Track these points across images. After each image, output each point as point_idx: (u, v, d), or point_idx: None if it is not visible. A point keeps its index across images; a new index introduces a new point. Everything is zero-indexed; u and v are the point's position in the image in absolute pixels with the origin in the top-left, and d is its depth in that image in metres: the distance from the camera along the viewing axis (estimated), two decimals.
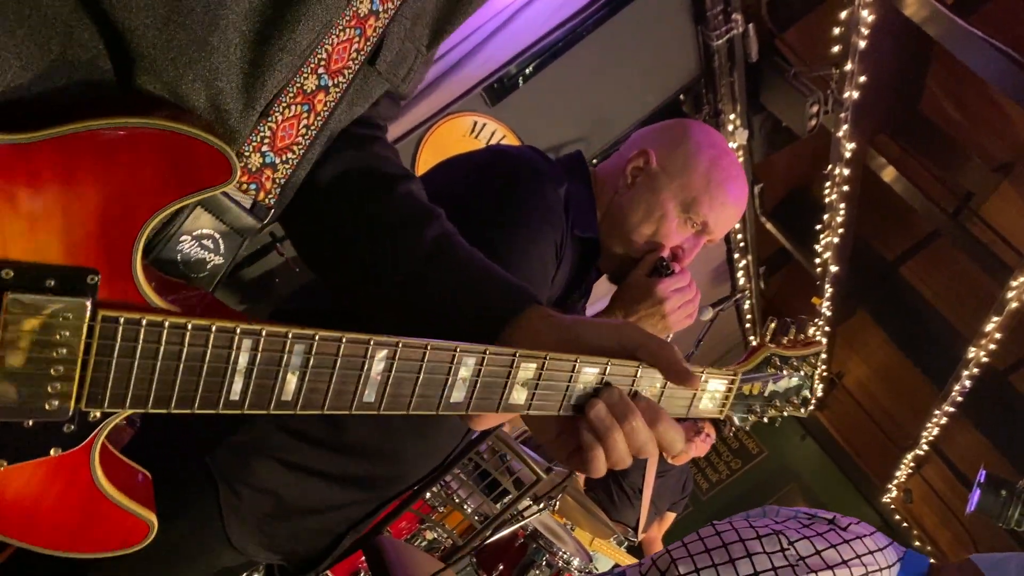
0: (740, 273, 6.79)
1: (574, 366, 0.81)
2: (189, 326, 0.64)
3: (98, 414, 0.66)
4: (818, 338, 1.08)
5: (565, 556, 3.73)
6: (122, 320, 0.62)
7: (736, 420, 1.01)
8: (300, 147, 0.85)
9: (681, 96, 5.13)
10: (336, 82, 0.84)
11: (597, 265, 1.55)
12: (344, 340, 0.70)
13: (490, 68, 3.85)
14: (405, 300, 0.95)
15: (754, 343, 1.04)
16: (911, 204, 5.42)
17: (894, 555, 1.69)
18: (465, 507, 3.61)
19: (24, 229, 0.60)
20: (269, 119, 0.79)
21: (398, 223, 0.98)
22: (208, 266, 0.81)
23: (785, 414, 1.07)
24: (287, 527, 1.27)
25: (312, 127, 0.85)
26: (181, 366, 0.65)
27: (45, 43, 0.61)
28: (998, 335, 5.20)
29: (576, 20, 4.02)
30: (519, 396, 0.80)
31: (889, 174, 5.40)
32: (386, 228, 0.98)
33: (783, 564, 1.60)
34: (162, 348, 0.64)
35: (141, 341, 0.63)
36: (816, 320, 7.21)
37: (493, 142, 4.26)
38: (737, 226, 6.23)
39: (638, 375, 0.84)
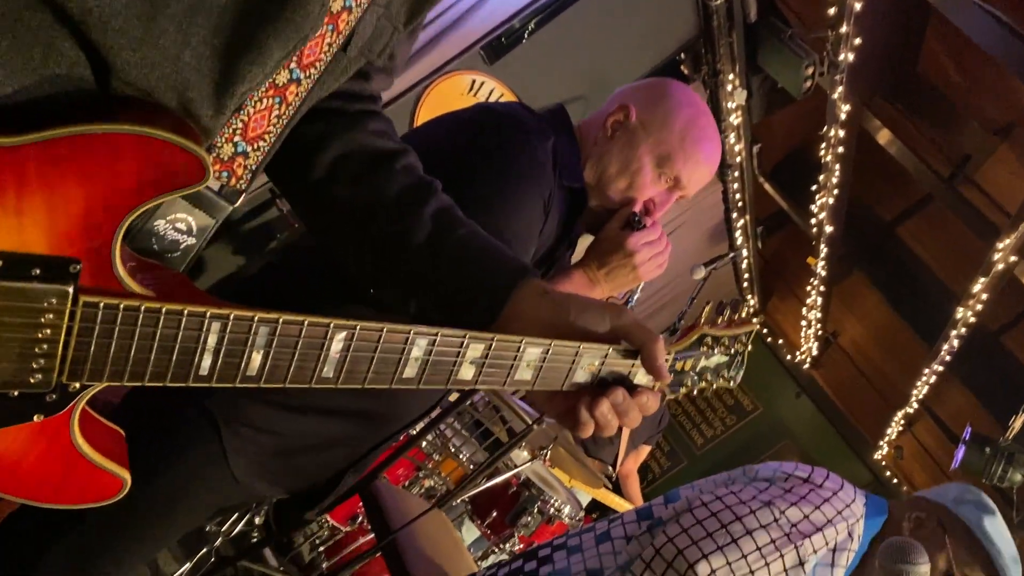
0: (738, 233, 6.83)
1: (519, 346, 0.90)
2: (163, 310, 0.70)
3: (77, 385, 0.73)
4: (752, 319, 1.17)
5: (556, 504, 3.86)
6: (102, 305, 0.69)
7: (668, 392, 1.11)
8: (271, 135, 0.90)
9: (681, 56, 5.15)
10: (308, 74, 0.88)
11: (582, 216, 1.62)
12: (306, 323, 0.76)
13: (489, 26, 3.87)
14: (412, 282, 1.04)
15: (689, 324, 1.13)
16: (906, 167, 5.44)
17: (862, 501, 1.81)
18: (460, 456, 3.73)
19: (12, 223, 0.66)
20: (241, 112, 0.84)
21: (397, 204, 1.04)
22: (181, 246, 0.87)
23: (715, 387, 1.18)
24: (289, 464, 1.35)
25: (283, 116, 0.89)
26: (155, 346, 0.71)
27: (27, 52, 0.65)
28: (984, 296, 5.27)
29: None
30: (467, 373, 0.89)
31: (884, 136, 5.41)
32: (386, 210, 1.04)
33: (780, 535, 1.69)
34: (138, 330, 0.70)
35: (119, 324, 0.69)
36: (811, 279, 7.28)
37: (491, 100, 4.30)
38: (735, 185, 6.27)
39: (578, 353, 0.94)
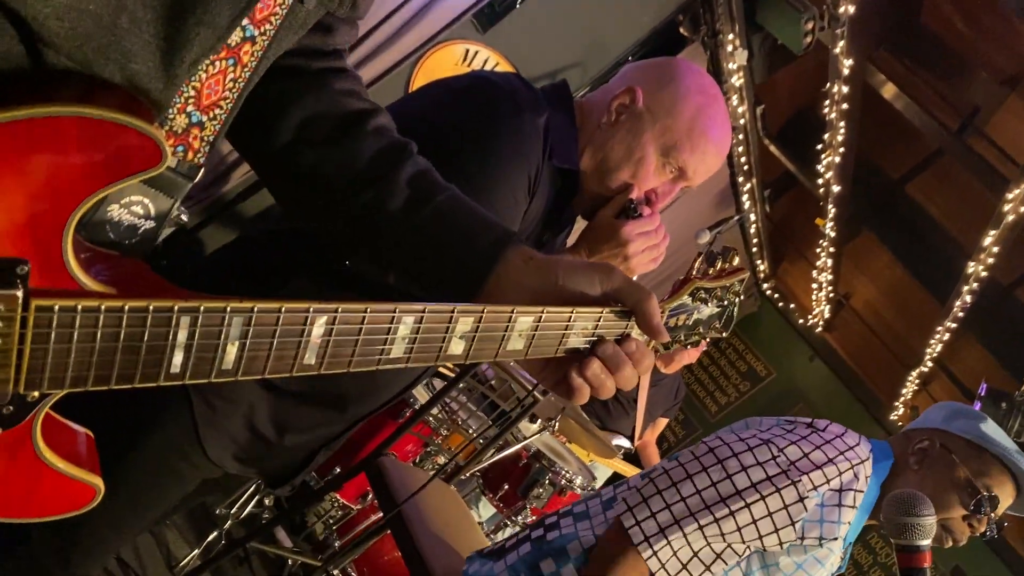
0: (745, 196, 6.76)
1: (510, 316, 0.86)
2: (126, 308, 0.64)
3: (36, 395, 0.68)
4: (742, 266, 1.13)
5: (568, 475, 3.84)
6: (56, 308, 0.62)
7: (661, 349, 1.08)
8: (228, 101, 0.83)
9: (679, 17, 5.06)
10: (263, 30, 0.81)
11: (574, 200, 1.56)
12: (283, 309, 0.71)
13: None
14: (391, 254, 1.00)
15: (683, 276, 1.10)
16: (912, 122, 5.35)
17: (868, 447, 1.81)
18: (468, 430, 3.72)
19: None
20: (192, 79, 0.77)
21: (369, 171, 0.99)
22: (140, 231, 0.79)
23: (708, 339, 1.15)
24: (261, 442, 1.32)
25: (239, 79, 0.83)
26: (120, 347, 0.66)
27: None
28: (995, 249, 5.19)
29: None
30: (456, 348, 0.85)
31: (889, 91, 5.31)
32: (358, 178, 0.99)
33: (777, 472, 1.71)
34: (99, 332, 0.64)
35: (77, 327, 0.63)
36: (820, 240, 7.20)
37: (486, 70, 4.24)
38: (740, 149, 6.19)
39: (571, 319, 0.91)
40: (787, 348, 9.57)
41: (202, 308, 0.67)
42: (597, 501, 2.00)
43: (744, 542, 1.68)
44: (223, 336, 0.69)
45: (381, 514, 3.62)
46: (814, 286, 8.38)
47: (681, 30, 5.09)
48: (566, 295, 0.92)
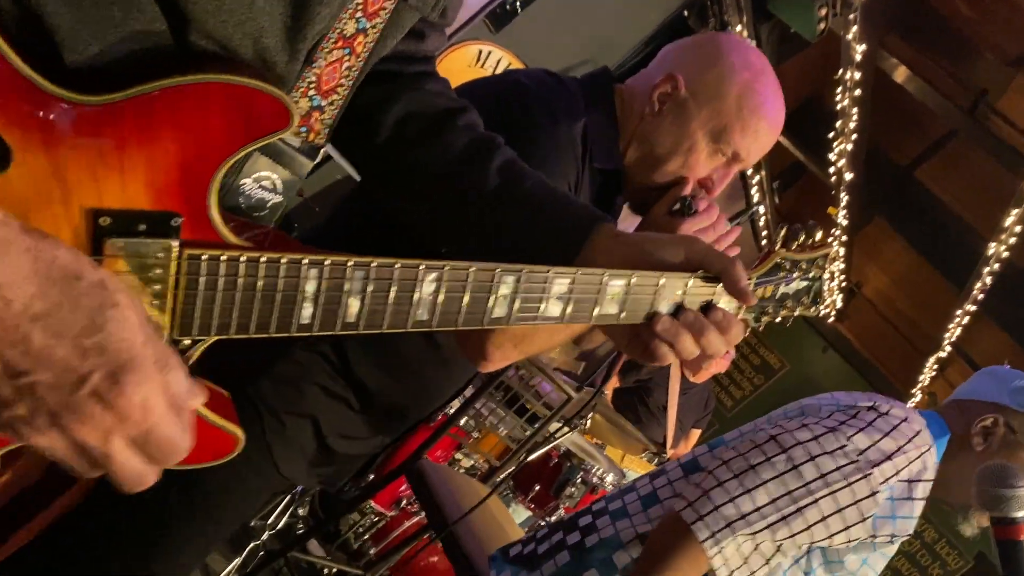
0: (754, 189, 6.74)
1: (601, 279, 0.89)
2: (262, 259, 0.70)
3: (188, 341, 0.73)
4: (828, 241, 1.12)
5: (599, 473, 3.82)
6: (204, 257, 0.68)
7: (751, 321, 1.07)
8: (344, 88, 0.91)
9: (685, 12, 5.05)
10: (374, 23, 0.89)
11: (620, 196, 1.49)
12: (398, 265, 0.76)
13: None
14: (484, 234, 1.04)
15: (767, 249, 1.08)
16: (925, 104, 5.34)
17: (928, 430, 1.71)
18: (499, 430, 3.69)
19: (115, 180, 0.66)
20: (313, 65, 0.84)
21: (463, 160, 1.05)
22: (268, 204, 0.88)
23: (796, 313, 1.14)
24: (327, 454, 1.32)
25: (354, 68, 0.90)
26: (257, 295, 0.72)
27: (107, 11, 0.66)
28: (1018, 228, 5.17)
29: None
30: (554, 309, 0.89)
31: (901, 74, 5.32)
32: (452, 166, 1.05)
33: (846, 463, 1.59)
34: (240, 280, 0.70)
35: (221, 275, 0.69)
36: (832, 230, 7.19)
37: (500, 70, 4.23)
38: None
39: (660, 284, 0.93)
40: (800, 340, 9.55)
41: (327, 261, 0.73)
42: (634, 496, 1.86)
43: (814, 541, 1.58)
44: (346, 289, 0.75)
45: (414, 520, 3.61)
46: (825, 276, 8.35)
47: (689, 24, 5.09)
48: (653, 265, 0.95)
